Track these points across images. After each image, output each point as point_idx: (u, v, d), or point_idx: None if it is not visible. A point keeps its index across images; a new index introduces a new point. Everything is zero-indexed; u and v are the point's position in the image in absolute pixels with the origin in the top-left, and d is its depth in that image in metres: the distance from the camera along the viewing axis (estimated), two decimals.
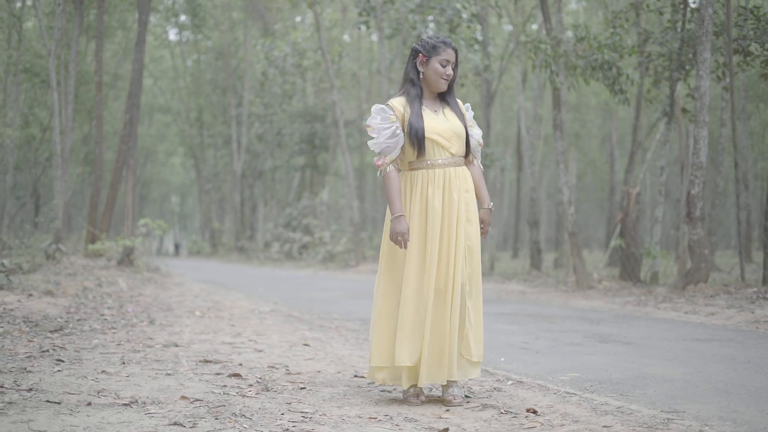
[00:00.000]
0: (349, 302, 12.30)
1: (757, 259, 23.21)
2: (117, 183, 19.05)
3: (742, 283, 12.47)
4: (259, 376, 5.46)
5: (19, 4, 26.87)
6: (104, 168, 30.96)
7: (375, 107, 4.83)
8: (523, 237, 37.77)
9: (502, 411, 4.55)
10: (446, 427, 4.13)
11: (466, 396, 4.93)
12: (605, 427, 4.17)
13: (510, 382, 5.44)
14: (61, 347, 6.31)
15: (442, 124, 4.76)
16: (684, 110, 15.39)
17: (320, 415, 4.34)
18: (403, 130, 4.76)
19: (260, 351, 6.72)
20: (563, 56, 13.79)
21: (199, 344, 6.98)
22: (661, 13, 15.53)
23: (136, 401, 4.45)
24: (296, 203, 34.69)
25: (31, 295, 9.82)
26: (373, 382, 5.11)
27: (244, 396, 4.77)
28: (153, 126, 51.46)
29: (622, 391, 5.17)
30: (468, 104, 5.05)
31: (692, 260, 12.32)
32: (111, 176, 20.32)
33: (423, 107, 4.80)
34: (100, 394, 4.61)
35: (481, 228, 4.87)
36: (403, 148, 4.79)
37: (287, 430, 3.98)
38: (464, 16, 22.53)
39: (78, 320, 8.11)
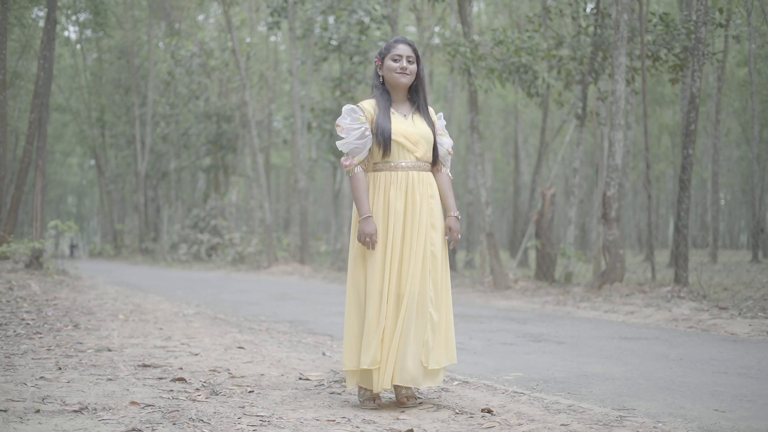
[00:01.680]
0: (272, 303, 12.22)
1: (658, 259, 23.86)
2: (22, 184, 18.50)
3: (655, 282, 12.80)
4: (203, 380, 5.39)
5: None
6: (6, 168, 30.12)
7: (346, 107, 4.82)
8: None
9: (457, 411, 4.58)
10: (410, 428, 4.13)
11: (417, 397, 4.95)
12: (563, 425, 4.23)
13: (456, 383, 5.48)
14: None
15: (409, 128, 4.77)
16: (596, 113, 15.74)
17: (277, 419, 4.30)
18: (372, 132, 4.76)
19: (196, 354, 6.63)
20: (482, 59, 13.94)
21: (131, 348, 6.84)
22: (574, 18, 15.84)
23: (86, 407, 4.34)
24: (203, 204, 34.26)
25: None
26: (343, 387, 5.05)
27: (194, 400, 4.70)
28: (50, 125, 50.22)
29: (569, 390, 5.26)
30: (441, 114, 5.06)
31: (608, 260, 12.61)
32: (16, 177, 19.77)
33: (392, 110, 4.83)
34: (45, 400, 4.49)
35: (452, 236, 4.83)
36: (371, 149, 4.79)
37: None
38: (371, 18, 22.60)
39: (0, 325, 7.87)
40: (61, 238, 75.50)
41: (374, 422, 4.32)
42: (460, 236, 4.89)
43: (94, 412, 4.27)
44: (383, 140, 4.71)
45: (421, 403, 4.82)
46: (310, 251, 25.37)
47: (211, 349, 7.02)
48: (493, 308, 11.54)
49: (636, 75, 14.97)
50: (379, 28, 23.07)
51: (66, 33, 42.57)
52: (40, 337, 7.25)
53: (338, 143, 4.82)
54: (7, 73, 29.65)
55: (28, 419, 4.03)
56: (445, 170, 4.95)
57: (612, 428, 4.17)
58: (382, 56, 4.85)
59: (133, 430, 3.91)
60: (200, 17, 40.60)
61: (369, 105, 4.84)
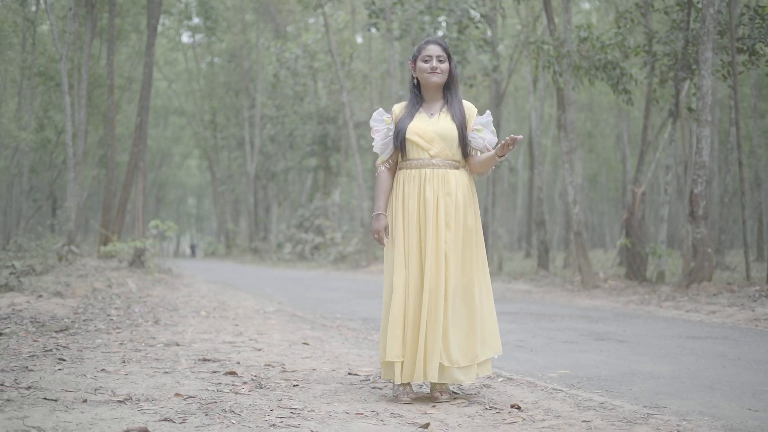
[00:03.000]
0: (354, 302, 12.42)
1: None
2: (129, 185, 19.24)
3: (746, 282, 12.52)
4: (254, 374, 5.56)
5: (33, 8, 27.14)
6: (118, 170, 31.29)
7: (377, 110, 5.07)
8: (535, 237, 37.78)
9: (487, 407, 4.64)
10: (427, 422, 4.23)
11: (453, 392, 5.03)
12: (585, 422, 4.26)
13: (500, 379, 5.53)
14: (64, 347, 6.44)
15: (426, 126, 4.90)
16: (690, 109, 15.42)
17: (308, 411, 4.43)
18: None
19: (259, 350, 6.84)
20: (566, 56, 13.85)
21: (200, 343, 7.10)
22: (667, 13, 15.55)
23: (131, 398, 4.56)
24: (308, 204, 34.85)
25: (40, 296, 9.99)
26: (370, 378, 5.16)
27: (236, 393, 4.87)
28: (168, 128, 51.72)
29: (608, 387, 5.26)
30: (488, 111, 5.12)
31: (696, 259, 12.39)
32: (124, 178, 20.54)
33: (420, 110, 4.98)
34: (96, 391, 4.72)
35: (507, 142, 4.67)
36: (396, 148, 4.97)
37: (274, 425, 4.07)
38: (475, 15, 22.57)
39: (84, 320, 8.25)
40: (181, 238, 77.32)
41: (401, 416, 4.43)
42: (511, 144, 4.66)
43: (136, 402, 4.48)
44: (398, 140, 4.91)
45: (455, 398, 4.91)
46: None
47: (276, 344, 7.22)
48: (573, 307, 11.47)
49: (732, 70, 14.61)
50: (477, 27, 23.04)
51: (177, 38, 43.82)
52: (118, 332, 7.59)
53: (373, 144, 5.02)
54: (120, 77, 30.82)
55: (73, 408, 4.25)
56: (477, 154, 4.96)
57: (634, 426, 4.18)
58: (414, 59, 5.00)
59: (165, 420, 4.11)
60: (311, 20, 41.25)
61: (398, 107, 5.06)
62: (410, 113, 4.96)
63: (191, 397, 4.68)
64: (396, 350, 4.76)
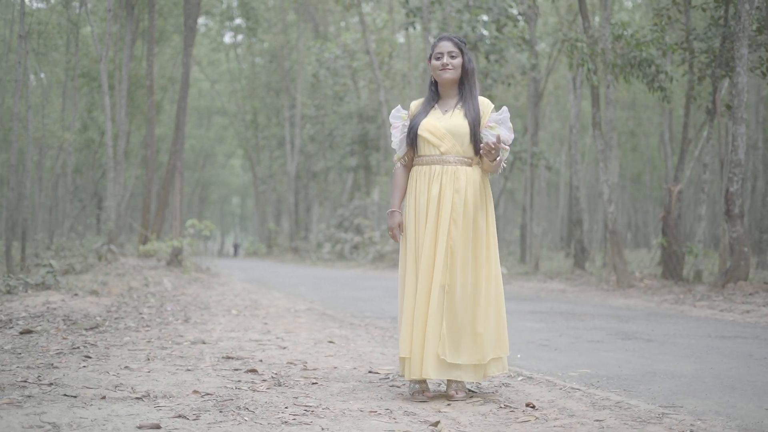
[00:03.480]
0: (385, 301, 12.44)
1: None
2: (168, 185, 19.42)
3: None
4: (275, 372, 5.59)
5: (77, 11, 27.51)
6: (160, 170, 31.59)
7: (396, 108, 5.11)
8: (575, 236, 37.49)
9: (502, 405, 4.63)
10: (438, 420, 4.24)
11: (471, 391, 5.03)
12: (597, 421, 4.24)
13: (520, 378, 5.52)
14: (92, 344, 6.52)
15: (437, 123, 4.91)
16: (728, 107, 15.24)
17: (322, 409, 4.45)
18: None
19: (284, 348, 6.88)
20: (600, 54, 13.76)
21: (226, 341, 7.15)
22: (704, 10, 15.38)
23: (149, 395, 4.60)
24: (348, 204, 34.95)
25: (76, 294, 10.12)
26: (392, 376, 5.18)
27: (254, 390, 4.90)
28: (212, 128, 52.11)
29: (627, 387, 5.23)
30: (504, 107, 5.09)
31: (732, 258, 12.25)
32: (164, 178, 20.75)
33: (435, 107, 5.00)
34: (117, 388, 4.77)
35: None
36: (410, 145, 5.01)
37: (286, 422, 4.10)
38: (515, 11, 22.44)
39: (115, 318, 8.35)
40: (226, 238, 77.56)
41: (414, 414, 4.43)
42: (493, 148, 4.69)
43: (154, 399, 4.52)
44: (410, 137, 4.94)
45: (471, 396, 4.90)
46: None
47: (301, 343, 7.26)
48: (606, 307, 11.39)
49: None
50: (515, 25, 22.93)
51: (220, 39, 44.15)
52: (147, 330, 7.67)
53: (391, 141, 5.07)
54: (162, 78, 31.11)
55: (91, 405, 4.30)
56: None
57: (647, 425, 4.15)
58: (429, 57, 5.02)
59: (179, 416, 4.15)
60: (354, 19, 41.39)
61: (414, 103, 5.09)
62: (425, 110, 4.98)
63: (209, 394, 4.72)
64: (405, 346, 4.79)
